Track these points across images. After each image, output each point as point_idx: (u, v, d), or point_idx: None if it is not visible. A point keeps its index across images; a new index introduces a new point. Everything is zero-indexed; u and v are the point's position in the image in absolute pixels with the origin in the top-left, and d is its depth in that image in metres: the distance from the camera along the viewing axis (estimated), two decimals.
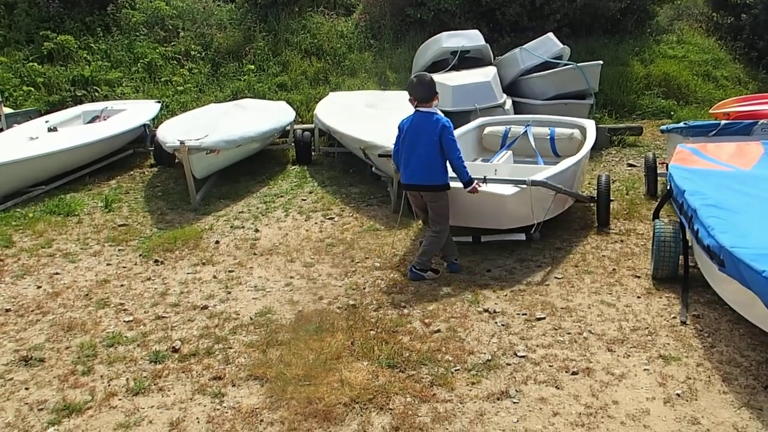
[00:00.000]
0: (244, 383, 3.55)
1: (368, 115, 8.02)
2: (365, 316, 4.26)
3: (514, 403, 3.31)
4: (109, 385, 3.57)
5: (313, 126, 8.69)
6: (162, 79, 10.79)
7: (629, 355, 3.73)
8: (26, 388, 3.57)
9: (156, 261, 5.39)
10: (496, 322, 4.17)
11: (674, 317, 4.17)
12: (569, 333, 4.01)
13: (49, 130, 8.09)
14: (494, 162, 6.32)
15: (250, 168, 8.08)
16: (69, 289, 4.88)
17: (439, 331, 4.06)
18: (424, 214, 4.98)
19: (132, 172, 8.27)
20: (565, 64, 9.18)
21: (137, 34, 11.47)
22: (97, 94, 10.29)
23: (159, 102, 9.66)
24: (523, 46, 9.49)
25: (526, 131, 6.88)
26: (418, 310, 4.36)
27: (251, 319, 4.33)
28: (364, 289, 4.75)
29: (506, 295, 4.56)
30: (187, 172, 6.71)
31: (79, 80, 10.41)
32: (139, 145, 8.82)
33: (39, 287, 4.93)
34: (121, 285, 4.95)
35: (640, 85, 10.65)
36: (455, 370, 3.61)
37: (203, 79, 10.93)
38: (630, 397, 3.33)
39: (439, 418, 3.20)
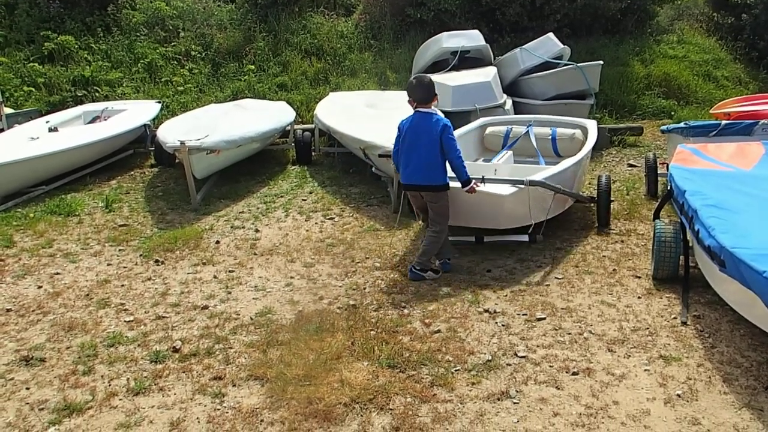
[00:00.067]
0: (244, 383, 3.55)
1: (368, 115, 8.02)
2: (365, 316, 4.27)
3: (515, 403, 3.31)
4: (109, 385, 3.57)
5: (313, 126, 8.69)
6: (162, 80, 10.80)
7: (630, 356, 3.73)
8: (27, 388, 3.57)
9: (156, 261, 5.39)
10: (496, 323, 4.17)
11: (675, 318, 4.17)
12: (569, 333, 4.01)
13: (50, 130, 8.10)
14: (494, 162, 6.32)
15: (251, 168, 8.08)
16: (70, 289, 4.89)
17: (439, 331, 4.06)
18: (425, 215, 4.99)
19: (132, 173, 8.27)
20: (566, 64, 9.17)
21: (137, 34, 11.48)
22: (97, 94, 10.29)
23: (159, 102, 9.66)
24: (524, 46, 9.48)
25: (527, 131, 6.87)
26: (419, 311, 4.36)
27: (251, 319, 4.33)
28: (365, 289, 4.75)
29: (506, 296, 4.56)
30: (187, 172, 6.71)
31: (79, 80, 10.42)
32: (140, 145, 8.82)
33: (40, 287, 4.94)
34: (122, 285, 4.95)
35: (641, 85, 10.64)
36: (455, 371, 3.61)
37: (203, 80, 10.93)
38: (630, 398, 3.33)
39: (439, 418, 3.20)
